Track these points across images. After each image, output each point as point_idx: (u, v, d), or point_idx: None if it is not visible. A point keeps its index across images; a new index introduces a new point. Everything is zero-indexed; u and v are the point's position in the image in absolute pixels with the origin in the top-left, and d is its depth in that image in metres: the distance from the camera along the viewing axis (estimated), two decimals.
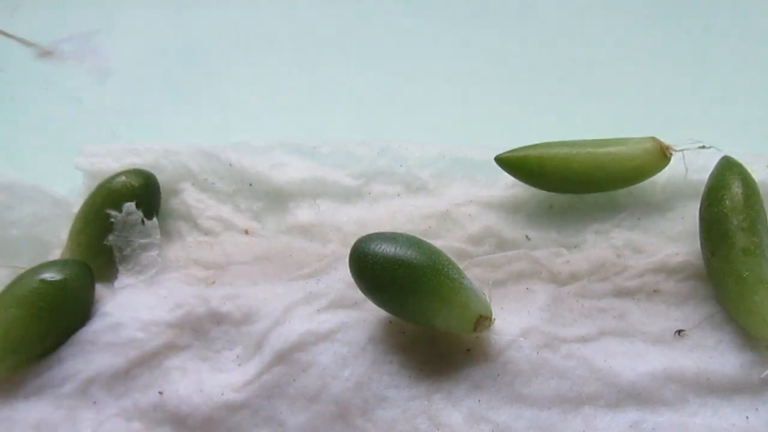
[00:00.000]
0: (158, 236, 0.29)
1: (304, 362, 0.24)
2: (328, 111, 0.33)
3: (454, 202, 0.29)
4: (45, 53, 0.27)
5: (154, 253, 0.29)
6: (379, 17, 0.31)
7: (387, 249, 0.22)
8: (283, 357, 0.25)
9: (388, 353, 0.24)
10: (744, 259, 0.23)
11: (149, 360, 0.26)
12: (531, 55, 0.31)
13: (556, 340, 0.24)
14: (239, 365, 0.25)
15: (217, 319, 0.26)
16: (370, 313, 0.25)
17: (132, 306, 0.27)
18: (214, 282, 0.28)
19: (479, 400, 0.23)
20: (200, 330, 0.26)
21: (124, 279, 0.29)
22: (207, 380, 0.25)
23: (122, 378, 0.26)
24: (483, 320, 0.23)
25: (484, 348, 0.24)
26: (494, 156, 0.28)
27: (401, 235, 0.24)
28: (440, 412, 0.23)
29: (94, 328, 0.27)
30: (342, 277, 0.26)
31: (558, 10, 0.30)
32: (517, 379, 0.23)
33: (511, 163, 0.28)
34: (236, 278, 0.28)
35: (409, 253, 0.22)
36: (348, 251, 0.27)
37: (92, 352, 0.26)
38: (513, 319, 0.24)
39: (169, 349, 0.26)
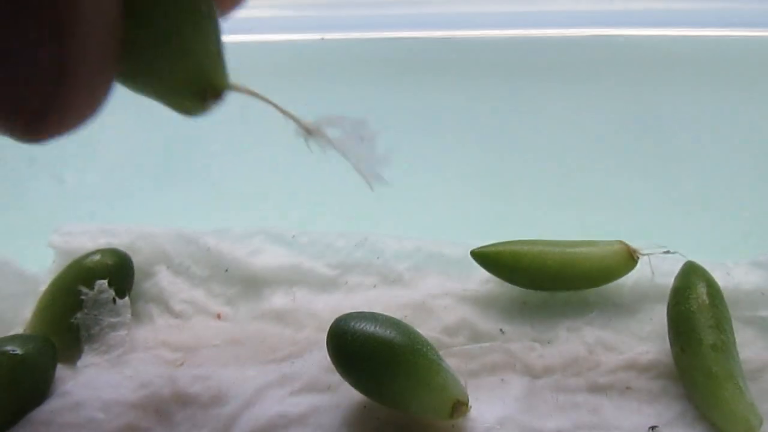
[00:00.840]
0: (129, 316, 0.29)
1: None
2: (310, 202, 0.34)
3: (430, 294, 0.29)
4: None
5: (122, 332, 0.28)
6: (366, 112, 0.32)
7: (367, 327, 0.22)
8: None
9: None
10: (713, 355, 0.24)
11: None
12: (507, 164, 0.33)
13: None
14: None
15: (184, 400, 0.25)
16: (345, 397, 0.25)
17: (94, 385, 0.26)
18: (182, 364, 0.27)
19: None
20: (164, 412, 0.25)
21: (88, 358, 0.28)
22: None
23: None
24: (460, 406, 0.22)
25: None
26: (470, 250, 0.29)
27: (381, 315, 0.24)
28: None
29: (51, 407, 0.25)
30: (317, 360, 0.26)
31: (533, 122, 0.32)
32: None
33: (486, 257, 0.29)
34: (206, 361, 0.27)
35: (388, 332, 0.23)
36: (323, 337, 0.27)
37: None
38: (488, 409, 0.24)
39: (130, 431, 0.25)
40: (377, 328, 0.23)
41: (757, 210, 0.30)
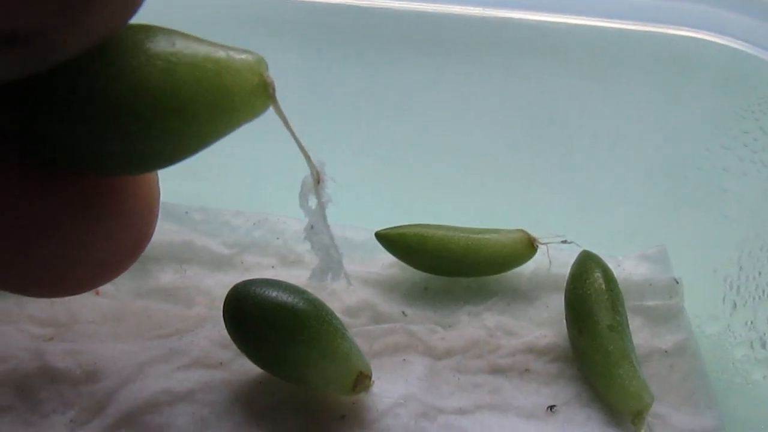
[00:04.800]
0: None
1: (156, 425, 0.21)
2: (206, 178, 0.32)
3: None
4: None
5: None
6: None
7: (269, 292, 0.21)
8: (130, 419, 0.21)
9: (256, 416, 0.22)
10: (610, 335, 0.24)
11: None
12: (410, 151, 0.33)
13: (434, 410, 0.23)
14: (72, 430, 0.21)
15: (51, 376, 0.23)
16: (238, 373, 0.23)
17: None
18: (52, 339, 0.24)
19: None
20: (27, 389, 0.22)
21: None
22: None
23: None
24: (363, 378, 0.21)
25: (360, 414, 0.22)
26: (374, 232, 0.28)
27: (284, 282, 0.22)
28: None
29: None
30: (208, 335, 0.24)
31: (439, 108, 0.32)
32: None
33: (390, 239, 0.28)
34: (80, 337, 0.24)
35: (292, 298, 0.21)
36: (215, 314, 0.25)
37: None
38: (391, 387, 0.23)
39: None
40: (281, 294, 0.21)
41: (647, 207, 0.31)
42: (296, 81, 0.34)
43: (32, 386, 0.22)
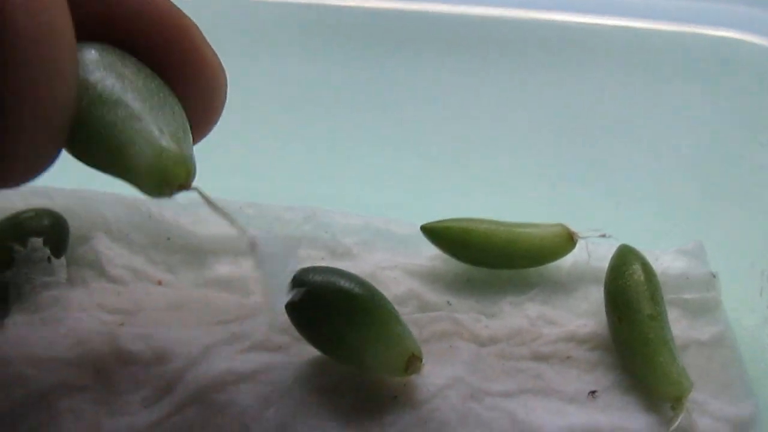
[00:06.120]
0: (63, 276, 0.27)
1: (221, 402, 0.23)
2: (256, 175, 0.34)
3: (378, 266, 0.29)
4: None
5: (55, 292, 0.27)
6: (319, 86, 0.33)
7: (327, 278, 0.22)
8: (198, 397, 0.23)
9: (315, 395, 0.23)
10: (650, 323, 0.25)
11: (37, 401, 0.23)
12: (450, 146, 0.34)
13: (481, 392, 0.24)
14: (145, 407, 0.23)
15: (125, 359, 0.24)
16: (297, 356, 0.24)
17: (24, 342, 0.24)
18: (122, 324, 0.26)
19: None
20: (103, 370, 0.24)
21: (17, 316, 0.26)
22: (105, 424, 0.23)
23: (3, 420, 0.22)
24: (415, 360, 0.23)
25: (411, 395, 0.24)
26: (420, 225, 0.30)
27: (340, 269, 0.24)
28: None
29: None
30: (267, 321, 0.25)
31: (481, 110, 0.33)
32: (443, 428, 0.23)
33: (436, 232, 0.29)
34: (148, 323, 0.26)
35: (349, 284, 0.23)
36: (271, 302, 0.26)
37: None
38: (439, 370, 0.25)
39: (63, 388, 0.23)
40: (338, 280, 0.23)
41: (684, 202, 0.32)
42: (333, 78, 0.35)
43: (107, 368, 0.24)
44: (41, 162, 0.16)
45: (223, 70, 0.20)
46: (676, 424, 0.24)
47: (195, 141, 0.20)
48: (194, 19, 0.19)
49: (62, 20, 0.15)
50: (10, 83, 0.14)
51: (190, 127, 0.18)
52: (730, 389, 0.27)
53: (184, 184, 0.16)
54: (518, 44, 0.31)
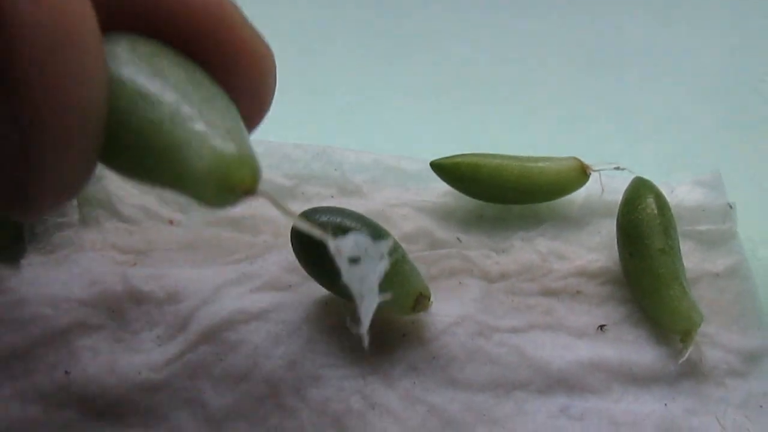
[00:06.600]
0: (76, 216, 0.27)
1: (233, 341, 0.23)
2: (270, 115, 0.33)
3: (388, 203, 0.29)
4: None
5: (69, 232, 0.27)
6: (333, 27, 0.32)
7: (333, 219, 0.22)
8: (210, 336, 0.23)
9: (324, 333, 0.24)
10: (661, 258, 0.25)
11: (55, 339, 0.24)
12: (462, 81, 0.33)
13: (489, 329, 0.25)
14: (159, 345, 0.24)
15: (138, 298, 0.25)
16: (306, 295, 0.24)
17: (40, 282, 0.25)
18: (135, 264, 0.26)
19: (414, 382, 0.23)
20: (117, 309, 0.25)
21: (32, 256, 0.26)
22: (121, 360, 0.23)
23: (22, 358, 0.23)
24: (422, 299, 0.23)
25: (420, 332, 0.24)
26: (429, 161, 0.29)
27: (346, 209, 0.24)
28: (375, 392, 0.22)
29: None
30: (276, 261, 0.25)
31: (492, 45, 0.32)
32: (452, 364, 0.23)
33: (445, 168, 0.29)
34: (160, 262, 0.26)
35: (354, 224, 0.22)
36: (281, 241, 0.26)
37: None
38: (447, 307, 0.25)
39: (80, 327, 0.24)
40: (344, 220, 0.22)
41: (701, 131, 0.31)
42: (347, 18, 0.34)
43: (121, 307, 0.24)
44: (75, 186, 0.14)
45: (270, 55, 0.17)
46: (685, 356, 0.24)
47: None
48: None
49: (79, 5, 0.12)
50: (21, 92, 0.11)
51: None
52: (743, 321, 0.26)
53: (250, 189, 0.13)
54: None
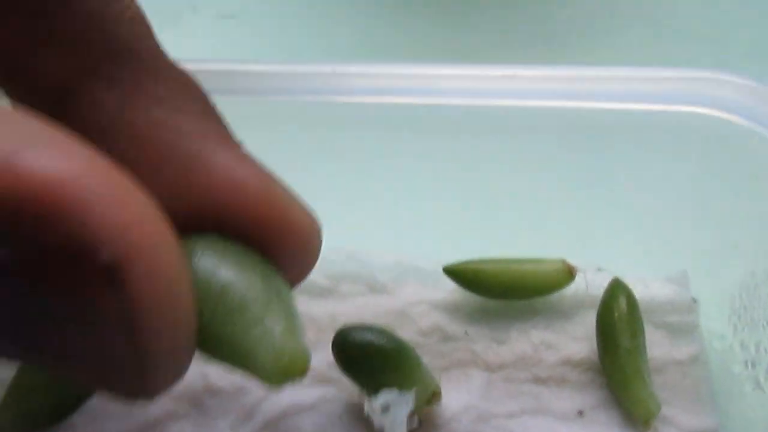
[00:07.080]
0: None
1: (290, 427, 0.30)
2: None
3: (408, 302, 0.36)
4: None
5: None
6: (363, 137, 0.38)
7: (364, 336, 0.29)
8: (272, 424, 0.30)
9: (360, 422, 0.30)
10: (627, 357, 0.31)
11: (152, 427, 0.31)
12: (470, 188, 0.40)
13: (489, 415, 0.31)
14: (232, 430, 0.31)
15: (213, 391, 0.32)
16: (345, 389, 0.31)
17: None
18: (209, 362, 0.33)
19: None
20: (197, 401, 0.32)
21: None
22: None
23: None
24: (435, 396, 0.29)
25: (433, 420, 0.30)
26: (442, 267, 0.36)
27: (374, 326, 0.30)
28: None
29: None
30: (321, 358, 0.32)
31: (488, 151, 0.39)
32: None
33: (453, 273, 0.36)
34: None
35: (380, 339, 0.29)
36: (323, 337, 0.33)
37: (101, 420, 0.31)
38: (455, 397, 0.31)
39: (170, 417, 0.31)
40: (372, 337, 0.29)
41: (671, 229, 0.37)
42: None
43: (200, 399, 0.31)
44: (181, 370, 0.16)
45: (316, 229, 0.19)
46: None
47: None
48: None
49: (175, 255, 0.13)
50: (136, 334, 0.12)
51: None
52: (699, 404, 0.32)
53: (302, 375, 0.17)
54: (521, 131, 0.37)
